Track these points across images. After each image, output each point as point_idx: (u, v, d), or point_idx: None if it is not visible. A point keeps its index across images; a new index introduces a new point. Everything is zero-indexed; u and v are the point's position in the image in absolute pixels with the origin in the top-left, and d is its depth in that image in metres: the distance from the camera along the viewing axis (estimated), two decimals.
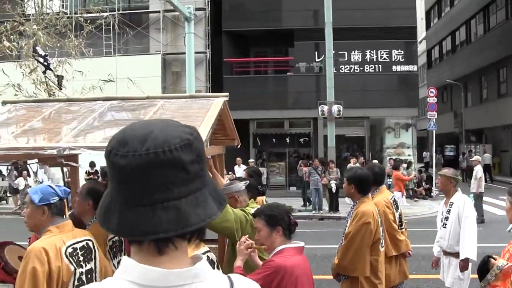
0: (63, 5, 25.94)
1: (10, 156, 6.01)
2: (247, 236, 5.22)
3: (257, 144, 33.93)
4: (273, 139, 33.71)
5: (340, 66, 32.18)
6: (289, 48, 34.77)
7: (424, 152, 51.09)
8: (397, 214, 8.64)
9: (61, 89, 8.06)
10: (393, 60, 33.06)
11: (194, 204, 1.63)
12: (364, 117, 33.06)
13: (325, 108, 26.41)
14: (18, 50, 9.89)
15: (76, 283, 4.51)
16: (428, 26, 65.58)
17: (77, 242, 4.70)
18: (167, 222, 1.59)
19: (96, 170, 24.54)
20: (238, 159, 28.04)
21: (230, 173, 23.99)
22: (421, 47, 58.32)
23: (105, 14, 23.39)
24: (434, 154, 33.93)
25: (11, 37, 11.93)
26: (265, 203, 6.97)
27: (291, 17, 33.18)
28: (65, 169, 8.22)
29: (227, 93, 6.80)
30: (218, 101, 6.32)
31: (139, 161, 1.58)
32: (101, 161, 23.05)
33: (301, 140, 33.62)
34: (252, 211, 5.64)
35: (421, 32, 58.33)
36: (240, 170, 26.32)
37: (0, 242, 6.31)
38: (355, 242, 6.75)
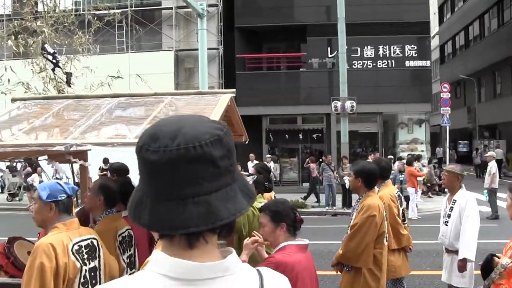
0: (75, 2, 26.00)
1: (19, 152, 6.06)
2: (254, 232, 5.24)
3: (270, 140, 33.96)
4: (286, 135, 33.74)
5: (353, 62, 32.09)
6: (302, 44, 34.69)
7: (437, 148, 50.86)
8: (400, 210, 8.71)
9: (70, 86, 8.09)
10: (406, 55, 32.96)
11: (224, 198, 1.65)
12: (377, 112, 32.99)
13: (338, 104, 26.36)
14: (26, 48, 9.93)
15: (81, 280, 4.56)
16: (441, 21, 65.28)
17: (83, 240, 4.73)
18: (198, 217, 1.61)
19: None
20: (251, 155, 28.09)
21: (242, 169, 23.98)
22: (434, 42, 58.05)
23: (112, 11, 23.33)
24: (447, 150, 33.81)
25: (20, 35, 11.97)
26: (273, 199, 6.97)
27: (304, 13, 33.14)
28: (75, 167, 8.24)
29: (234, 90, 6.81)
30: (225, 97, 6.33)
31: (170, 157, 1.60)
32: (114, 158, 23.08)
33: (314, 136, 33.61)
34: (260, 206, 5.65)
35: (434, 27, 58.10)
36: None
37: (10, 238, 6.36)
38: (359, 234, 6.78)
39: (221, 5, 34.27)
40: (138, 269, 6.00)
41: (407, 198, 23.40)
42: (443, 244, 8.43)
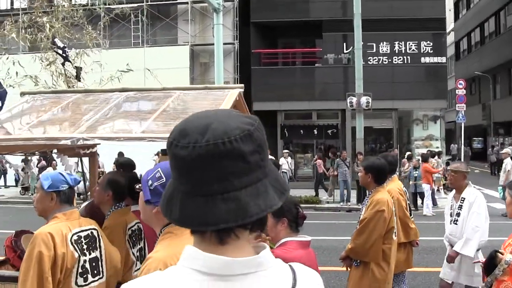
0: None
1: (27, 146, 6.09)
2: None
3: (285, 135, 33.94)
4: (301, 131, 33.68)
5: (369, 58, 31.99)
6: (317, 40, 34.65)
7: (452, 145, 50.66)
8: (407, 204, 8.71)
9: (79, 80, 8.11)
10: (421, 51, 32.82)
11: (254, 194, 1.63)
12: (392, 109, 32.91)
13: (354, 99, 26.30)
14: (36, 42, 9.96)
15: (80, 270, 4.59)
16: (456, 17, 64.92)
17: (83, 231, 4.76)
18: (227, 213, 1.60)
19: None
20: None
21: None
22: (449, 39, 57.70)
23: (123, 6, 23.34)
24: (462, 146, 33.67)
25: (30, 29, 12.01)
26: None
27: (319, 8, 33.07)
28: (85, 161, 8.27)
29: (242, 85, 6.80)
30: (233, 93, 6.32)
31: (199, 152, 1.59)
32: (127, 152, 23.10)
33: (329, 131, 33.56)
34: None
35: (449, 24, 57.80)
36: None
37: (17, 231, 6.40)
38: (368, 228, 6.81)
39: (237, 0, 34.27)
40: None
41: (422, 195, 23.39)
42: (451, 244, 8.24)
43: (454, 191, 8.50)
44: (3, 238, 6.61)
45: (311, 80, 34.02)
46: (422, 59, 32.81)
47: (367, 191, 7.45)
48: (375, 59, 32.78)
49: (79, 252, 4.59)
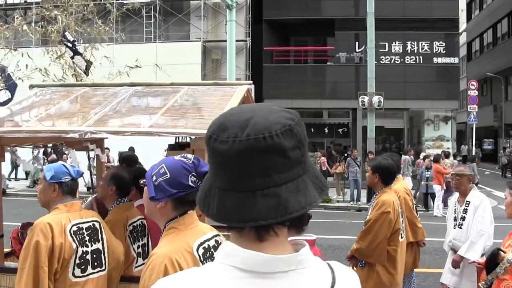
0: None
1: (35, 139, 6.11)
2: None
3: None
4: (312, 129, 33.62)
5: (381, 57, 31.92)
6: (329, 38, 34.69)
7: (462, 146, 50.48)
8: (414, 203, 8.64)
9: (87, 75, 8.13)
10: (434, 51, 32.72)
11: (294, 191, 1.60)
12: (404, 108, 32.85)
13: (366, 98, 26.23)
14: (45, 36, 9.99)
15: (77, 261, 4.61)
16: (469, 18, 64.62)
17: (84, 222, 4.79)
18: (267, 209, 1.57)
19: (136, 155, 24.61)
20: None
21: None
22: (461, 39, 57.48)
23: (133, 1, 23.34)
24: (473, 147, 33.55)
25: (40, 23, 12.05)
26: None
27: (332, 7, 33.03)
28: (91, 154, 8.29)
29: (251, 81, 6.80)
30: (241, 89, 6.31)
31: (239, 147, 1.56)
32: (139, 148, 23.11)
33: (340, 130, 33.57)
34: None
35: (462, 24, 57.56)
36: None
37: (23, 223, 6.42)
38: (373, 229, 6.75)
39: None
40: None
41: (433, 195, 23.31)
42: (454, 248, 8.06)
43: (457, 195, 8.34)
44: (11, 230, 6.63)
45: (323, 79, 34.00)
46: (435, 59, 32.72)
47: (374, 192, 7.40)
48: (387, 58, 32.72)
49: (77, 243, 4.61)
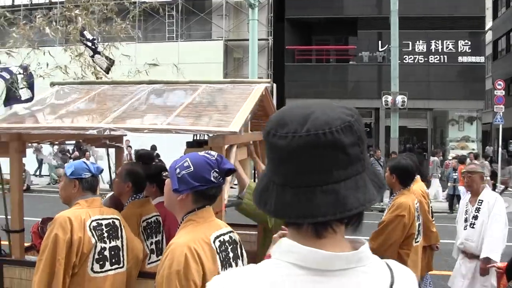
0: None
1: (55, 135, 6.17)
2: (283, 226, 5.24)
3: None
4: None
5: (404, 56, 31.68)
6: (351, 37, 34.57)
7: (487, 147, 49.95)
8: (430, 206, 8.51)
9: (108, 73, 8.19)
10: (459, 50, 32.42)
11: (353, 188, 1.60)
12: (427, 108, 32.61)
13: (389, 98, 26.16)
14: (66, 35, 10.07)
15: (96, 256, 4.68)
16: (495, 16, 63.95)
17: (104, 219, 4.86)
18: (326, 206, 1.57)
19: (157, 154, 24.72)
20: None
21: None
22: (487, 38, 56.92)
23: (154, 0, 23.33)
24: (499, 149, 33.23)
25: (61, 22, 12.14)
26: None
27: (354, 5, 32.89)
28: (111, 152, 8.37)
29: (269, 80, 6.83)
30: (259, 88, 6.31)
31: (299, 142, 1.57)
32: (162, 146, 23.16)
33: None
34: None
35: (487, 22, 56.99)
36: None
37: (44, 218, 6.50)
38: (385, 231, 6.63)
39: None
40: None
41: (458, 197, 23.10)
42: (466, 250, 7.83)
43: (468, 196, 8.13)
44: (32, 225, 6.70)
45: (345, 78, 33.86)
46: (459, 59, 32.40)
47: (392, 192, 7.31)
48: (411, 57, 32.48)
49: (96, 239, 4.67)
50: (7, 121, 6.01)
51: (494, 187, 29.57)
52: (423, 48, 32.55)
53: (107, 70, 8.44)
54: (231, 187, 6.09)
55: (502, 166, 29.07)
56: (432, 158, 25.54)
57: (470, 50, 32.48)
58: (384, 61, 32.12)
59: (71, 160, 27.92)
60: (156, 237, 5.94)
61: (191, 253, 3.24)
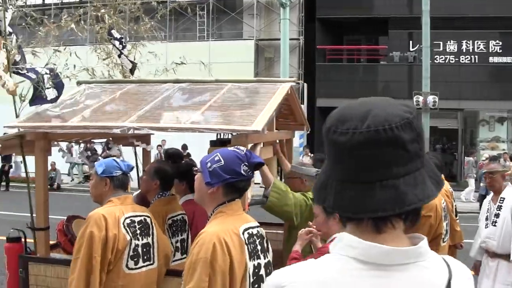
0: None
1: (80, 134, 6.23)
2: (309, 223, 5.26)
3: None
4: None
5: (435, 56, 31.40)
6: (381, 37, 34.43)
7: None
8: (454, 206, 8.49)
9: (133, 74, 8.28)
10: (490, 51, 32.05)
11: (412, 184, 1.63)
12: (458, 109, 32.31)
13: (420, 98, 25.97)
14: (93, 34, 10.15)
15: (131, 253, 4.74)
16: None
17: (136, 216, 4.92)
18: (385, 201, 1.60)
19: (188, 153, 24.79)
20: None
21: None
22: None
23: None
24: None
25: (88, 21, 12.21)
26: None
27: (386, 5, 32.64)
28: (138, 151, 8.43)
29: (294, 78, 6.85)
30: (284, 87, 6.31)
31: (359, 139, 1.60)
32: (194, 147, 23.22)
33: None
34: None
35: None
36: None
37: (69, 216, 6.55)
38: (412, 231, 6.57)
39: None
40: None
41: None
42: (488, 248, 7.61)
43: (490, 196, 8.00)
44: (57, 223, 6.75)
45: (375, 78, 33.66)
46: (490, 59, 32.03)
47: None
48: (442, 58, 32.17)
49: (131, 235, 4.74)
50: (33, 120, 6.08)
51: None
52: (454, 48, 32.22)
53: (132, 72, 8.49)
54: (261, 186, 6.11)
55: None
56: (467, 158, 25.36)
57: (501, 51, 32.06)
58: (415, 61, 31.87)
59: (101, 159, 28.09)
60: (181, 235, 5.99)
61: (220, 242, 3.35)
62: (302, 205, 5.83)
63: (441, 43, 31.85)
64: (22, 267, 6.05)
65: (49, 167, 7.27)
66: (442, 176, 7.15)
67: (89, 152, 22.74)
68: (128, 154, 8.30)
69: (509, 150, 32.52)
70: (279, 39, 25.95)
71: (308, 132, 8.51)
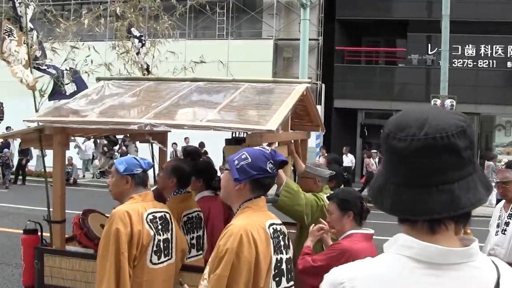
0: None
1: (98, 129, 6.32)
2: (321, 219, 5.35)
3: (364, 134, 33.69)
4: (381, 131, 33.05)
5: (453, 60, 31.24)
6: (400, 40, 34.34)
7: None
8: None
9: (149, 73, 8.39)
10: (508, 56, 31.81)
11: (465, 188, 1.71)
12: (475, 113, 32.11)
13: (438, 102, 25.83)
14: (114, 31, 10.20)
15: (155, 248, 4.84)
16: None
17: (157, 212, 5.01)
18: (441, 204, 1.69)
19: (205, 151, 24.87)
20: (344, 148, 28.09)
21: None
22: None
23: None
24: None
25: (108, 18, 12.30)
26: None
27: (405, 8, 32.45)
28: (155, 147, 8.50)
29: (310, 79, 6.88)
30: (300, 88, 6.37)
31: (417, 145, 1.69)
32: (211, 146, 23.27)
33: None
34: (325, 196, 5.74)
35: None
36: (347, 159, 26.38)
37: (85, 210, 6.63)
38: None
39: None
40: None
41: None
42: (495, 256, 7.43)
43: (502, 202, 7.88)
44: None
45: (393, 80, 33.48)
46: (509, 64, 31.81)
47: None
48: (460, 61, 31.98)
49: (154, 231, 4.83)
50: (52, 114, 6.18)
51: None
52: (472, 52, 32.01)
53: (148, 70, 8.58)
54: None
55: None
56: (487, 163, 25.24)
57: None
58: (433, 65, 31.73)
59: (118, 155, 28.16)
60: (197, 232, 6.06)
61: (246, 234, 3.48)
62: (313, 206, 5.89)
63: (459, 47, 31.64)
64: (37, 258, 6.16)
65: (66, 162, 7.35)
66: None
67: (105, 148, 22.85)
68: (145, 152, 8.36)
69: None
70: (298, 39, 25.89)
71: (324, 133, 8.54)
